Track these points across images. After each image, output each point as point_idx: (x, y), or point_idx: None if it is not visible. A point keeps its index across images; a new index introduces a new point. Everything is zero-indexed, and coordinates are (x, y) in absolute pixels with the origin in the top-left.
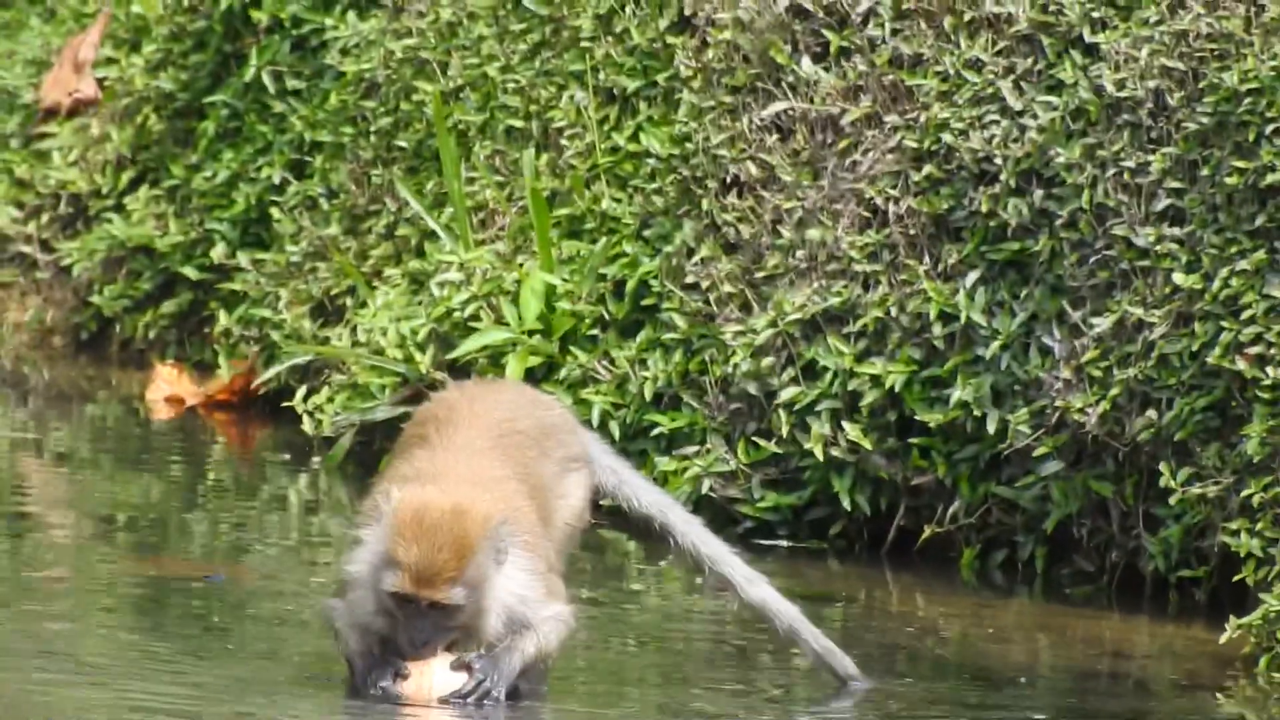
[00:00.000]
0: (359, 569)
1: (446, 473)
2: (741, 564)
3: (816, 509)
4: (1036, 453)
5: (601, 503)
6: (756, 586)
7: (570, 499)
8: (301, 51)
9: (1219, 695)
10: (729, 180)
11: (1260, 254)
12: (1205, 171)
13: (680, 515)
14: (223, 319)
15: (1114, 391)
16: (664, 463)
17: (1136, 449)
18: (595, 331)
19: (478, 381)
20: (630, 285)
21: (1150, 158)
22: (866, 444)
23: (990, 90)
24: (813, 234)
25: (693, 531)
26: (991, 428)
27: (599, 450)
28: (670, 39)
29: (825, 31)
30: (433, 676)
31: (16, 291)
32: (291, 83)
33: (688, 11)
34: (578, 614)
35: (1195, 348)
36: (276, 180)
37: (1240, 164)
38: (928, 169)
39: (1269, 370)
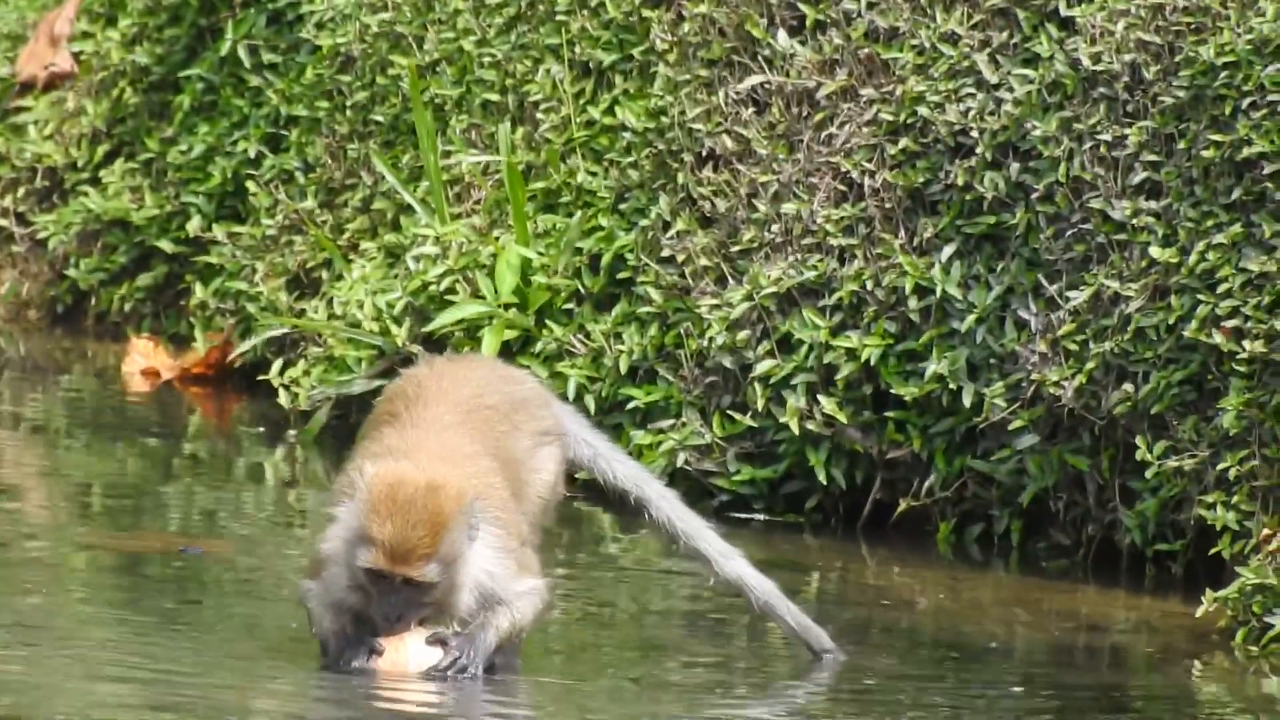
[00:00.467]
0: (333, 546)
1: (417, 449)
2: (717, 539)
3: (792, 482)
4: (1012, 426)
5: (577, 476)
6: (732, 561)
7: (543, 473)
8: (277, 25)
9: (1195, 669)
10: (705, 154)
11: (1236, 228)
12: (1182, 145)
13: (656, 489)
14: (198, 292)
15: (1090, 365)
16: (639, 436)
17: (1113, 422)
18: (571, 305)
19: (448, 358)
20: (606, 259)
21: (1127, 131)
22: (842, 417)
23: (966, 63)
24: (788, 208)
25: (668, 506)
26: (967, 401)
27: (574, 424)
28: (646, 12)
29: (801, 5)
30: (408, 652)
31: None
32: (267, 56)
33: None
34: (552, 587)
35: (1171, 321)
36: (252, 154)
37: (1217, 137)
38: (903, 142)
39: (1245, 344)
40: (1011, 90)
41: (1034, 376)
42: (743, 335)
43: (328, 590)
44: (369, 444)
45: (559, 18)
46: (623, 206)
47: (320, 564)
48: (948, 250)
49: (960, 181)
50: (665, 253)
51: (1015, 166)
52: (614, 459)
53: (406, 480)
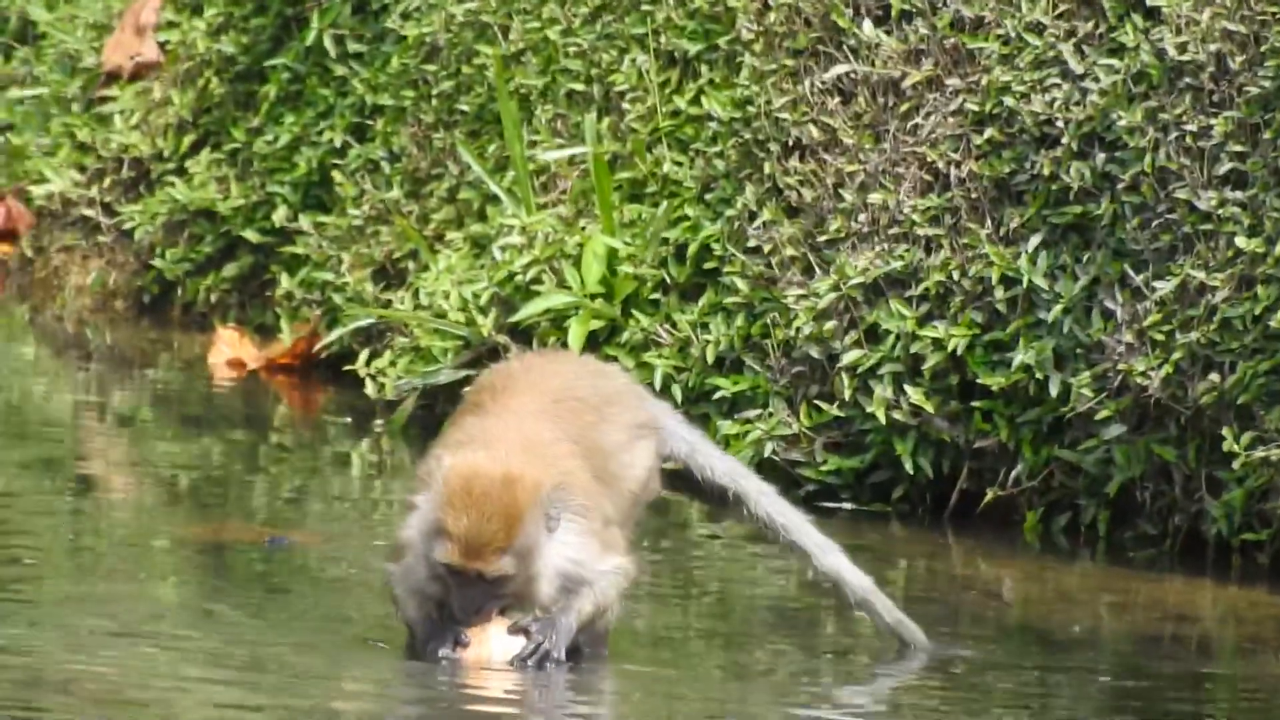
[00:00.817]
0: (411, 535)
1: (497, 438)
2: (816, 532)
3: (879, 472)
4: (1099, 416)
5: (665, 466)
6: (830, 555)
7: (636, 467)
8: (363, 15)
9: None
10: (791, 143)
11: None
12: (1268, 135)
13: (755, 484)
14: (284, 282)
15: (1176, 355)
16: (726, 426)
17: (1199, 412)
18: (657, 295)
19: (538, 352)
20: (692, 249)
21: (1212, 121)
22: (929, 407)
23: (1052, 53)
24: (875, 197)
25: (767, 501)
26: (1054, 391)
27: (671, 420)
28: (731, 2)
29: None
30: (491, 642)
31: (79, 255)
32: (353, 46)
33: None
34: (640, 564)
35: (1258, 311)
36: (338, 143)
37: None
38: (989, 132)
39: None
40: (1097, 80)
41: (1120, 366)
42: (829, 325)
43: (408, 578)
44: (452, 433)
45: (644, 7)
46: (709, 196)
47: (401, 551)
48: (1034, 240)
49: (1046, 171)
50: (751, 242)
51: (1101, 157)
52: (712, 454)
53: (482, 473)
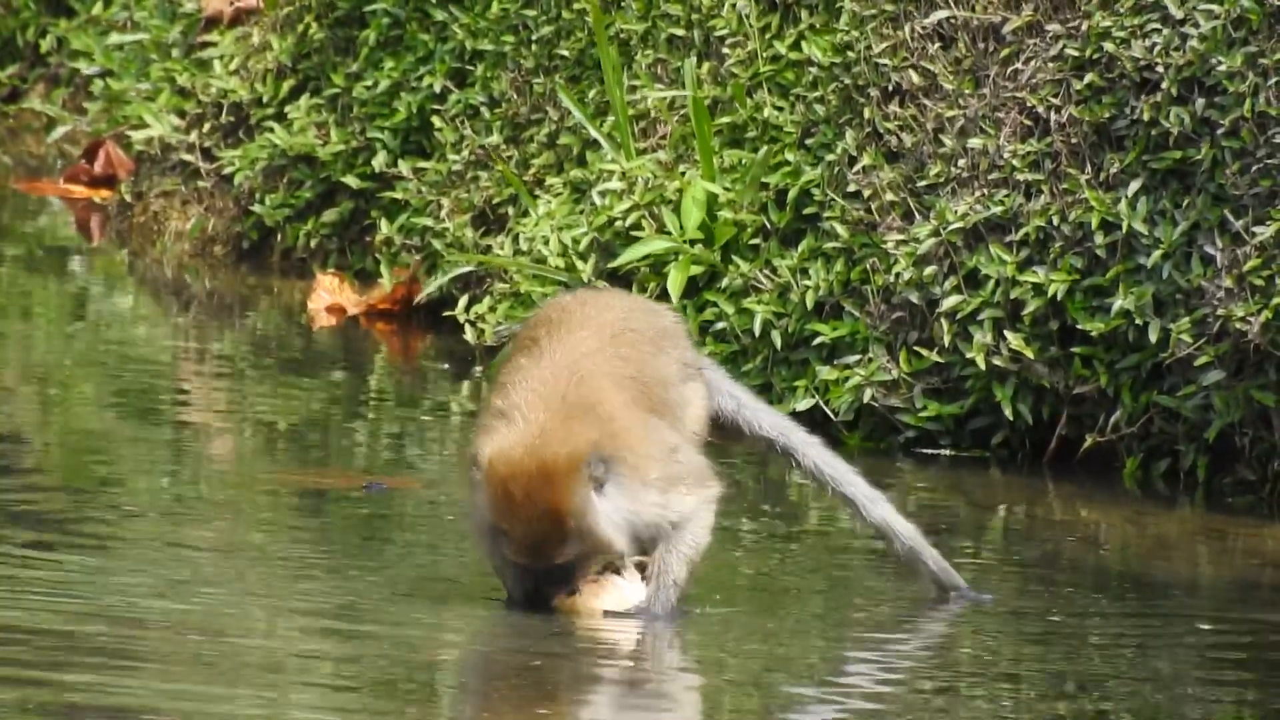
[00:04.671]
0: (479, 520)
1: (537, 401)
2: (864, 483)
3: (978, 418)
4: (1198, 362)
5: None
6: (879, 506)
7: (692, 406)
8: None
9: None
10: (891, 89)
11: None
12: None
13: (801, 438)
14: (384, 228)
15: (1276, 300)
16: (825, 372)
17: None
18: (757, 240)
19: (593, 289)
20: (792, 194)
21: None
22: (1029, 353)
23: None
24: (974, 143)
25: (815, 453)
26: (1153, 337)
27: (716, 374)
28: None
29: None
30: (601, 592)
31: (178, 200)
32: None
33: None
34: (720, 481)
35: None
36: (438, 89)
37: None
38: (1089, 77)
39: None
40: (1197, 25)
41: (1220, 312)
42: (929, 271)
43: (486, 543)
44: (501, 380)
45: None
46: (809, 141)
47: (478, 524)
48: (1134, 185)
49: (1146, 117)
50: (851, 188)
51: (1200, 102)
52: (759, 409)
53: (519, 472)
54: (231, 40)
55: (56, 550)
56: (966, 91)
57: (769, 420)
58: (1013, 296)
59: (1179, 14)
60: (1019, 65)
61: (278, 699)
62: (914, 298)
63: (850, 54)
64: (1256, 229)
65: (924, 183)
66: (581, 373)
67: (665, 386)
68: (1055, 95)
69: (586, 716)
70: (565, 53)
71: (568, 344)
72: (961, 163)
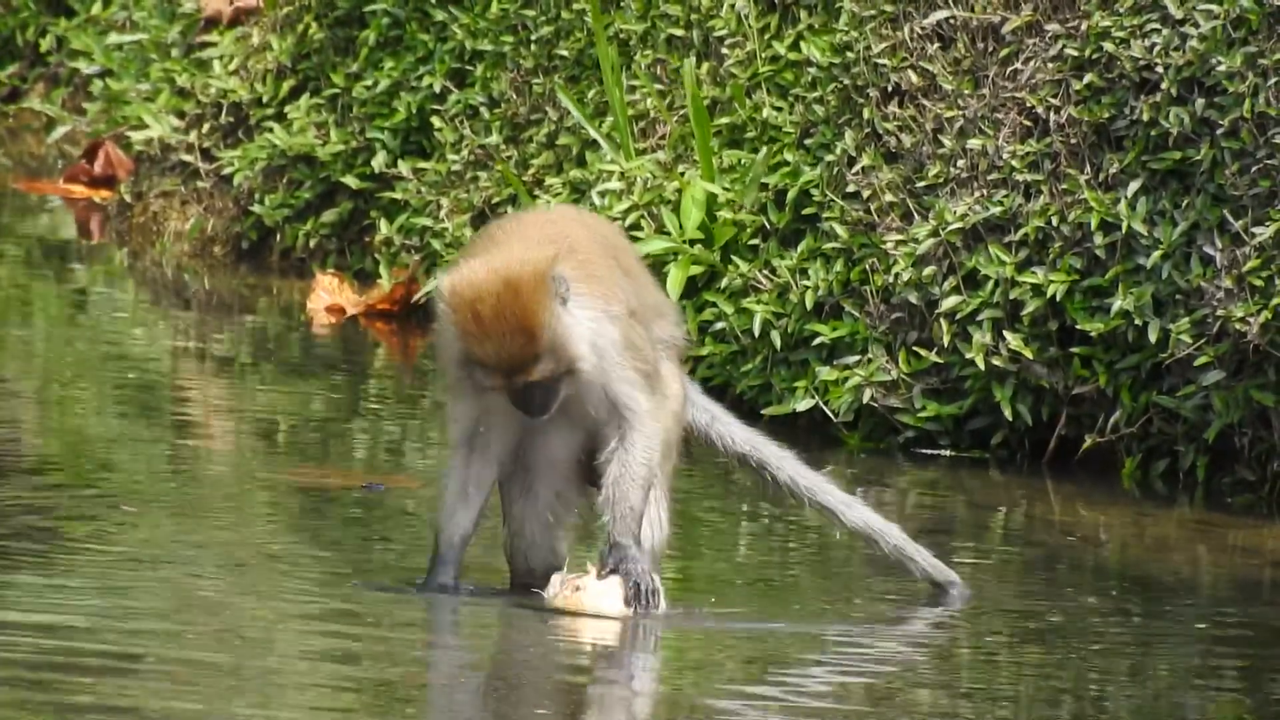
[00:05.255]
0: (451, 352)
1: (503, 239)
2: (838, 490)
3: (978, 418)
4: (1198, 362)
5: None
6: (856, 510)
7: (673, 384)
8: None
9: None
10: (890, 89)
11: None
12: None
13: (774, 451)
14: (383, 228)
15: (1276, 301)
16: (825, 372)
17: None
18: (756, 241)
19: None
20: (791, 194)
21: None
22: (1028, 353)
23: None
24: (974, 143)
25: (788, 466)
26: (1153, 337)
27: (690, 387)
28: None
29: None
30: (587, 596)
31: (177, 200)
32: None
33: None
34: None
35: None
36: (437, 89)
37: None
38: (1089, 77)
39: None
40: (1197, 25)
41: (1219, 312)
42: (928, 271)
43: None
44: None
45: None
46: (808, 142)
47: (449, 360)
48: (1133, 186)
49: (1145, 117)
50: (850, 188)
51: (1200, 102)
52: (731, 423)
53: (485, 293)
54: (231, 40)
55: (55, 549)
56: (966, 92)
57: (741, 435)
58: (1012, 297)
59: (1178, 14)
60: (1018, 65)
61: (278, 699)
62: (913, 298)
63: (849, 54)
64: (1256, 229)
65: (923, 183)
66: (560, 226)
67: (645, 303)
68: (1054, 95)
69: (586, 716)
70: (564, 53)
71: (553, 215)
72: (961, 163)
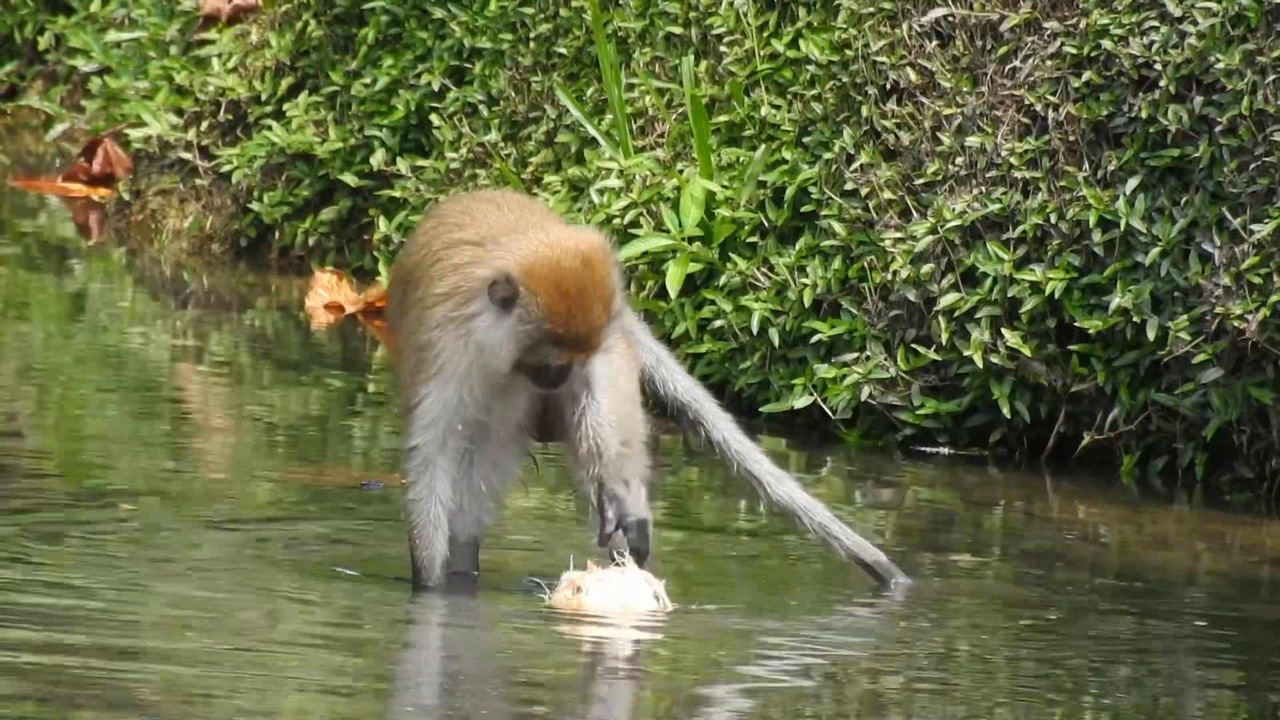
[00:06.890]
0: (518, 336)
1: (520, 225)
2: (769, 462)
3: (976, 416)
4: (1196, 360)
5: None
6: (783, 484)
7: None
8: None
9: None
10: (888, 87)
11: None
12: None
13: (713, 409)
14: (382, 226)
15: (1274, 298)
16: (823, 370)
17: None
18: (755, 238)
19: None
20: (790, 192)
21: None
22: (1026, 351)
23: None
24: (972, 140)
25: (724, 426)
26: (1151, 334)
27: (639, 329)
28: None
29: None
30: (596, 589)
31: (176, 198)
32: None
33: None
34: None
35: None
36: (436, 87)
37: None
38: (1087, 75)
39: None
40: (1195, 23)
41: (1218, 310)
42: (927, 268)
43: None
44: (441, 228)
45: None
46: (806, 139)
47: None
48: (1132, 183)
49: (1144, 114)
50: (849, 186)
51: (1199, 99)
52: (676, 371)
53: (564, 269)
54: (230, 38)
55: (54, 549)
56: (964, 89)
57: (684, 384)
58: (1010, 294)
59: (1177, 11)
60: (1017, 63)
61: (276, 694)
62: (912, 295)
63: (848, 52)
64: (1254, 227)
65: (921, 181)
66: (512, 206)
67: None
68: (1053, 93)
69: (585, 715)
70: (563, 50)
71: (491, 196)
72: (959, 160)
